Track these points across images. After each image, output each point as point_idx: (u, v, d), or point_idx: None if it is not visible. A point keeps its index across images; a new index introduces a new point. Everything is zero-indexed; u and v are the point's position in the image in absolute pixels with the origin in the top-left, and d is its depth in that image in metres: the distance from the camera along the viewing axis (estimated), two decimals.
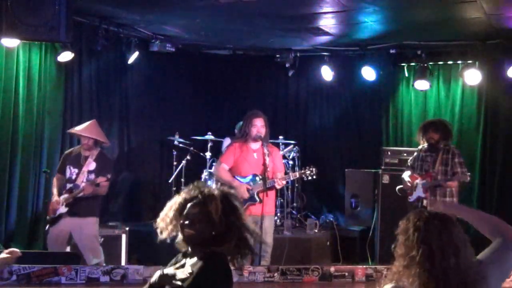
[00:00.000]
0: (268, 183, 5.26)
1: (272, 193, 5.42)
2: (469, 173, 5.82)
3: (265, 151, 5.33)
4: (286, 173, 5.55)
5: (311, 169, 5.45)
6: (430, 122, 6.03)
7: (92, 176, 5.57)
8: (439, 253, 2.08)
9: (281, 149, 7.38)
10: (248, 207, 5.34)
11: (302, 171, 5.53)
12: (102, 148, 5.79)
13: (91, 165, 5.59)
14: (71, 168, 5.61)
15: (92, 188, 5.48)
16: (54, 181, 5.74)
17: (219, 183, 5.86)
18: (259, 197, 5.33)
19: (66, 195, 5.53)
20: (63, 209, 5.51)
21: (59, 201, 5.53)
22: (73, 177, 5.58)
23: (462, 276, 2.07)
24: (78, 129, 5.75)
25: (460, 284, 2.06)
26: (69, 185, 5.58)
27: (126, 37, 7.14)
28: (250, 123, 5.41)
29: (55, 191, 5.67)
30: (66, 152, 5.88)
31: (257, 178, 5.36)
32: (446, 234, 2.12)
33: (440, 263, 2.07)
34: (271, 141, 5.96)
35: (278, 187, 5.29)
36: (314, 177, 5.48)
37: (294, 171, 5.77)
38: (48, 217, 5.62)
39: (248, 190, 5.36)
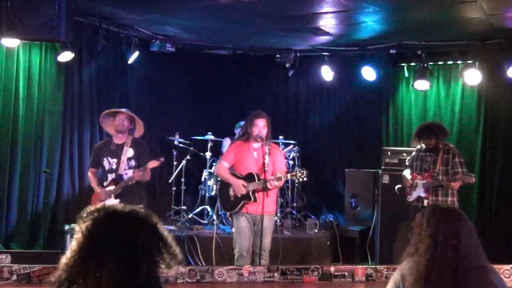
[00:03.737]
0: (261, 182, 5.26)
1: (272, 193, 5.41)
2: (473, 174, 5.82)
3: (266, 150, 5.34)
4: (287, 173, 5.53)
5: (301, 171, 5.43)
6: (421, 130, 5.95)
7: (133, 162, 5.61)
8: (442, 247, 2.40)
9: (281, 149, 7.38)
10: (244, 205, 5.36)
11: (294, 173, 5.51)
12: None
13: (129, 152, 5.63)
14: (109, 159, 5.63)
15: (142, 174, 5.50)
16: (90, 176, 5.75)
17: (219, 181, 5.91)
18: (254, 196, 5.32)
19: (112, 187, 5.53)
20: (113, 201, 5.45)
21: (106, 192, 5.52)
22: (114, 167, 5.60)
23: (460, 264, 2.38)
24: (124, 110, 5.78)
25: (453, 272, 2.38)
26: (111, 176, 5.59)
27: (126, 37, 7.14)
28: (252, 123, 5.42)
29: (95, 185, 5.65)
30: (97, 146, 5.93)
31: (256, 177, 5.36)
32: (453, 229, 2.43)
33: (440, 255, 2.40)
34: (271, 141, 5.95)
35: (269, 187, 5.27)
36: (305, 179, 5.46)
37: (294, 171, 5.75)
38: None
39: (244, 186, 5.36)
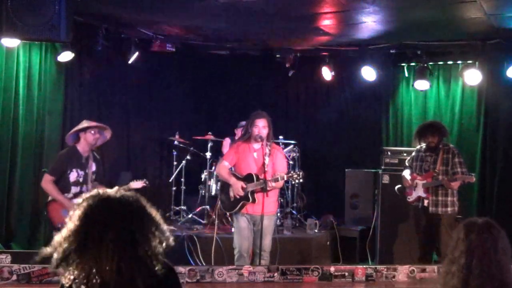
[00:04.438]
0: (260, 183, 5.26)
1: (271, 194, 5.40)
2: (473, 174, 5.82)
3: (266, 151, 5.34)
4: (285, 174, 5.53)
5: (297, 172, 5.42)
6: (425, 127, 5.96)
7: (93, 177, 5.52)
8: (478, 267, 2.21)
9: (282, 149, 7.37)
10: (244, 206, 5.36)
11: (290, 174, 5.50)
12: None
13: (93, 166, 5.54)
14: (78, 171, 5.41)
15: None
16: (49, 185, 5.32)
17: (219, 181, 5.91)
18: (253, 197, 5.32)
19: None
20: None
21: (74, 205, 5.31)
22: (81, 180, 5.41)
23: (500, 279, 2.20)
24: (93, 124, 5.57)
25: None
26: (75, 188, 5.37)
27: (126, 37, 7.14)
28: (252, 124, 5.42)
29: (58, 195, 5.29)
30: (64, 154, 5.53)
31: (255, 178, 5.36)
32: (492, 249, 2.24)
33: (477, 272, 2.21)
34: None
35: (267, 188, 5.26)
36: (301, 180, 5.46)
37: (289, 172, 5.73)
38: (59, 225, 4.96)
39: (243, 188, 5.36)
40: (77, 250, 1.93)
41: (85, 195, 2.06)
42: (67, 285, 1.94)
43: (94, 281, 1.89)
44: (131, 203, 2.04)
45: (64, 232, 1.98)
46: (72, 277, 1.93)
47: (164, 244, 2.04)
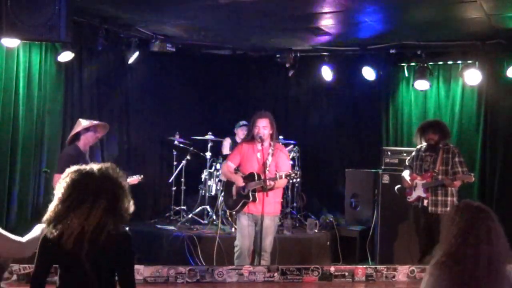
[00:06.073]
0: (260, 182, 5.26)
1: (272, 194, 5.39)
2: (473, 173, 5.82)
3: (269, 151, 5.34)
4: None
5: (295, 171, 5.43)
6: (428, 124, 6.01)
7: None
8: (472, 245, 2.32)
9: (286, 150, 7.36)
10: (245, 205, 5.36)
11: (288, 172, 5.50)
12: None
13: (98, 155, 5.90)
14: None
15: None
16: None
17: (222, 181, 5.91)
18: (254, 196, 5.32)
19: None
20: None
21: None
22: None
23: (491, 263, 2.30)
24: (96, 122, 5.71)
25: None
26: None
27: (126, 37, 7.14)
28: (253, 124, 5.43)
29: None
30: (69, 152, 5.57)
31: (256, 177, 5.36)
32: (483, 227, 2.35)
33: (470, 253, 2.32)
34: None
35: (267, 186, 5.25)
36: (298, 179, 5.48)
37: (292, 170, 5.74)
38: None
39: (244, 183, 5.37)
40: (63, 213, 2.47)
41: (68, 170, 2.56)
42: (50, 237, 2.47)
43: (77, 232, 2.43)
44: (109, 175, 2.55)
45: (54, 201, 2.52)
46: (56, 232, 2.46)
47: (130, 208, 2.58)
